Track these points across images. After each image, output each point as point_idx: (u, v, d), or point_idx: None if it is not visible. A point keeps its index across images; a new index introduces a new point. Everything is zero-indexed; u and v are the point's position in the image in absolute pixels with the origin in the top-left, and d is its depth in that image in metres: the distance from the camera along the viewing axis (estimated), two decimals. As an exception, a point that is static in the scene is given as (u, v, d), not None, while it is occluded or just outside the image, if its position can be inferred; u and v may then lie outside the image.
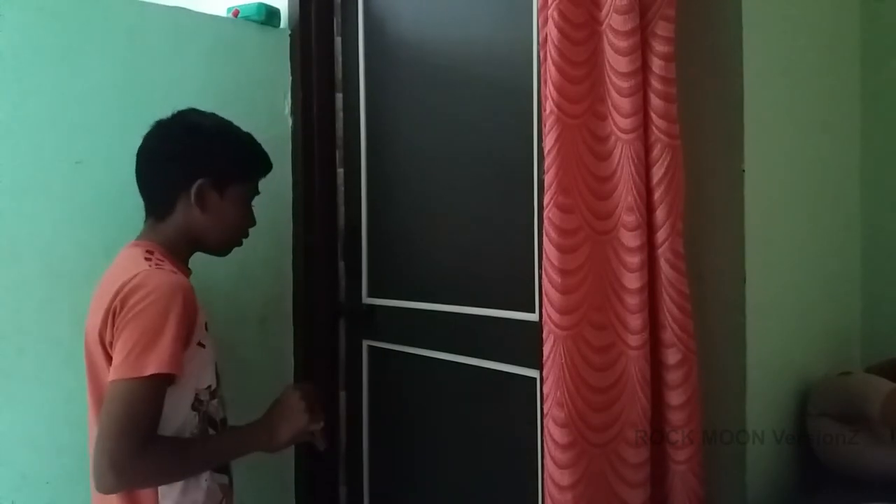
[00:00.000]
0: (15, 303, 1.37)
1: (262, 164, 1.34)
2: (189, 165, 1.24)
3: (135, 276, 1.12)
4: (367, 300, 1.73)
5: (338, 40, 1.78)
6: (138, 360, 1.07)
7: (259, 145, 1.33)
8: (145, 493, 1.14)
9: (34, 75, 1.39)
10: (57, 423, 1.40)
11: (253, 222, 1.34)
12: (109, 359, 1.11)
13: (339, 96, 1.79)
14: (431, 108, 1.56)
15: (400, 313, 1.64)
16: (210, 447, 1.22)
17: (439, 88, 1.53)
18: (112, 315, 1.10)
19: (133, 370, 1.07)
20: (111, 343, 1.11)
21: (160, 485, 1.15)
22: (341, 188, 1.79)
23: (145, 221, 1.28)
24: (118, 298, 1.10)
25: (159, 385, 1.09)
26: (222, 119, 1.30)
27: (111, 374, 1.08)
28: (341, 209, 1.79)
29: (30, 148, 1.39)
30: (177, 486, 1.16)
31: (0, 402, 1.36)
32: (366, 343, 1.75)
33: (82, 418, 1.41)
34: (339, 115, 1.79)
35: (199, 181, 1.23)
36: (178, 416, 1.16)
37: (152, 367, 1.07)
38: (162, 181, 1.26)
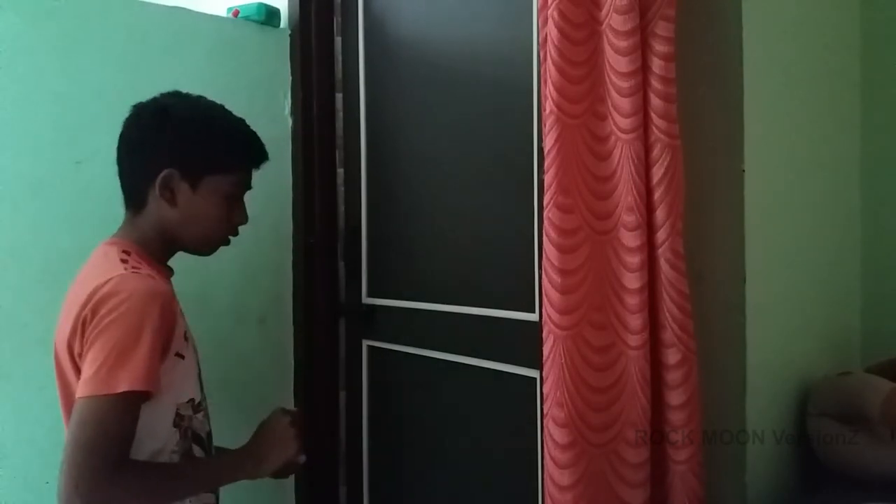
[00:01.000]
0: (15, 303, 1.37)
1: (246, 154, 1.21)
2: (154, 154, 1.13)
3: (108, 280, 1.02)
4: (366, 300, 1.73)
5: (338, 40, 1.78)
6: (109, 375, 0.97)
7: (247, 133, 1.21)
8: None
9: (34, 75, 1.39)
10: (57, 423, 1.39)
11: (242, 219, 1.23)
12: (79, 371, 1.02)
13: (339, 96, 1.79)
14: (431, 109, 1.56)
15: (400, 313, 1.64)
16: (190, 475, 1.12)
17: (439, 88, 1.53)
18: (82, 324, 1.01)
19: (103, 386, 0.97)
20: (80, 355, 1.02)
21: None
22: (341, 188, 1.79)
23: (125, 213, 1.20)
24: (89, 306, 1.01)
25: (133, 403, 0.99)
26: (206, 103, 1.19)
27: (79, 390, 0.98)
28: (341, 209, 1.79)
29: (30, 148, 1.39)
30: None
31: (0, 402, 1.36)
32: (365, 343, 1.75)
33: (82, 418, 1.41)
34: (339, 115, 1.79)
35: (164, 172, 1.12)
36: (157, 434, 1.07)
37: (125, 383, 0.97)
38: (132, 171, 1.16)
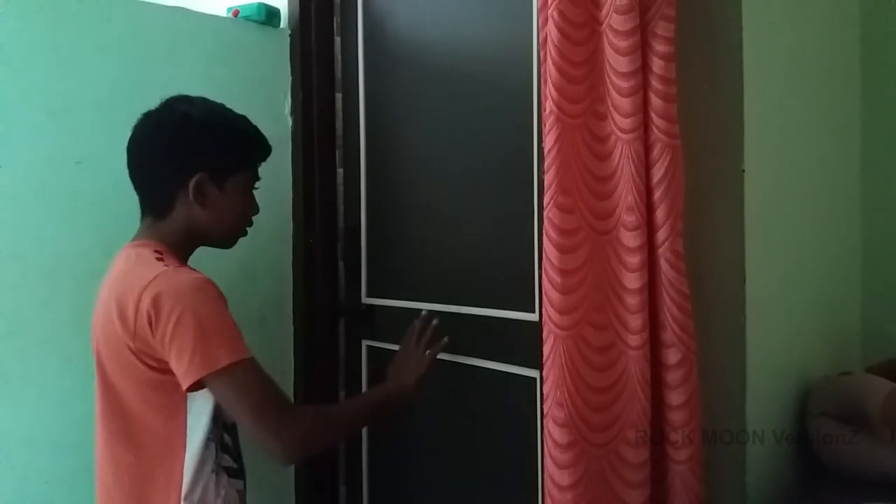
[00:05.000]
0: (15, 303, 1.37)
1: (259, 149, 1.28)
2: (184, 161, 1.18)
3: (155, 277, 1.07)
4: (366, 300, 1.73)
5: (337, 40, 1.78)
6: (214, 352, 1.05)
7: (255, 129, 1.27)
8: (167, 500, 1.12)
9: (34, 75, 1.39)
10: (57, 423, 1.40)
11: (256, 209, 1.30)
12: (133, 367, 1.08)
13: (339, 96, 1.78)
14: (431, 109, 1.56)
15: (399, 313, 1.64)
16: (353, 405, 1.33)
17: (439, 88, 1.53)
18: (147, 323, 1.05)
19: (231, 355, 1.06)
20: (141, 351, 1.07)
21: (328, 443, 1.32)
22: (340, 188, 1.79)
23: (142, 219, 1.23)
24: (145, 305, 1.05)
25: (249, 364, 1.09)
26: (213, 104, 1.24)
27: (203, 372, 1.04)
28: (340, 209, 1.79)
29: (30, 148, 1.39)
30: (197, 493, 1.13)
31: (0, 402, 1.36)
32: (365, 343, 1.75)
33: (82, 418, 1.41)
34: (339, 115, 1.78)
35: (196, 177, 1.18)
36: (199, 425, 1.13)
37: (230, 356, 1.06)
38: (157, 179, 1.21)
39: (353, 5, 1.73)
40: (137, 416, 1.12)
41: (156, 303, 1.05)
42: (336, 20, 1.78)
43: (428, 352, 1.37)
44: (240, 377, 1.07)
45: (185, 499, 1.11)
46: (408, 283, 1.63)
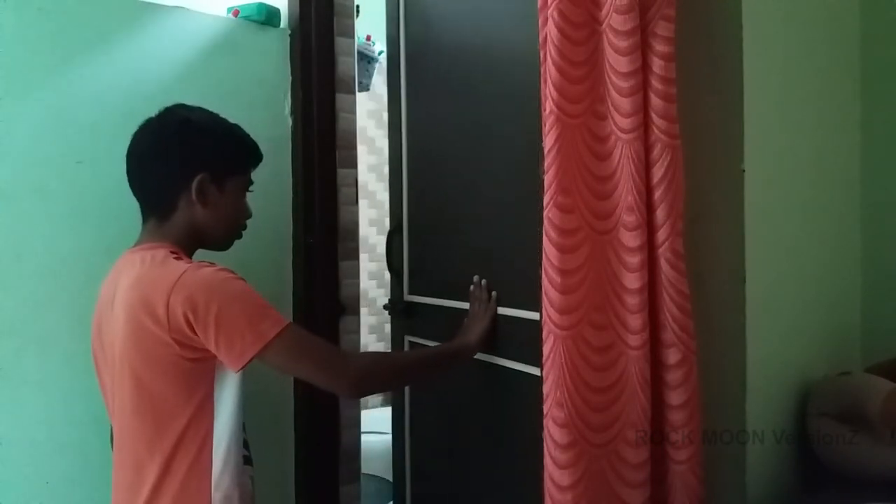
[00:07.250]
0: (15, 303, 1.37)
1: (253, 153, 1.33)
2: (187, 162, 1.22)
3: (181, 275, 1.10)
4: (407, 297, 1.74)
5: (340, 40, 1.78)
6: (266, 324, 1.11)
7: (248, 136, 1.31)
8: (199, 486, 1.15)
9: (34, 75, 1.39)
10: (57, 423, 1.40)
11: (249, 213, 1.34)
12: (179, 358, 1.11)
13: (351, 97, 1.79)
14: (455, 113, 1.55)
15: (431, 310, 1.64)
16: (410, 355, 1.41)
17: (461, 93, 1.52)
18: (183, 321, 1.08)
19: (275, 326, 1.11)
20: (177, 342, 1.09)
21: (384, 384, 1.44)
22: (344, 188, 1.79)
23: (144, 223, 1.24)
24: (181, 301, 1.07)
25: (292, 327, 1.15)
26: (210, 112, 1.29)
27: (258, 346, 1.09)
28: (351, 208, 1.79)
29: (30, 148, 1.39)
30: (225, 481, 1.17)
31: (0, 402, 1.36)
32: (407, 339, 1.75)
33: (82, 418, 1.41)
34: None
35: (199, 176, 1.21)
36: (226, 417, 1.17)
37: (275, 327, 1.12)
38: (160, 181, 1.23)
39: (396, 14, 1.72)
40: (168, 406, 1.14)
41: (191, 302, 1.08)
42: (336, 20, 1.78)
43: (486, 310, 1.41)
44: (289, 340, 1.13)
45: (215, 484, 1.16)
46: (437, 282, 1.63)
